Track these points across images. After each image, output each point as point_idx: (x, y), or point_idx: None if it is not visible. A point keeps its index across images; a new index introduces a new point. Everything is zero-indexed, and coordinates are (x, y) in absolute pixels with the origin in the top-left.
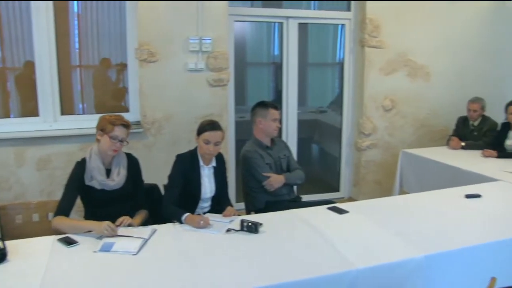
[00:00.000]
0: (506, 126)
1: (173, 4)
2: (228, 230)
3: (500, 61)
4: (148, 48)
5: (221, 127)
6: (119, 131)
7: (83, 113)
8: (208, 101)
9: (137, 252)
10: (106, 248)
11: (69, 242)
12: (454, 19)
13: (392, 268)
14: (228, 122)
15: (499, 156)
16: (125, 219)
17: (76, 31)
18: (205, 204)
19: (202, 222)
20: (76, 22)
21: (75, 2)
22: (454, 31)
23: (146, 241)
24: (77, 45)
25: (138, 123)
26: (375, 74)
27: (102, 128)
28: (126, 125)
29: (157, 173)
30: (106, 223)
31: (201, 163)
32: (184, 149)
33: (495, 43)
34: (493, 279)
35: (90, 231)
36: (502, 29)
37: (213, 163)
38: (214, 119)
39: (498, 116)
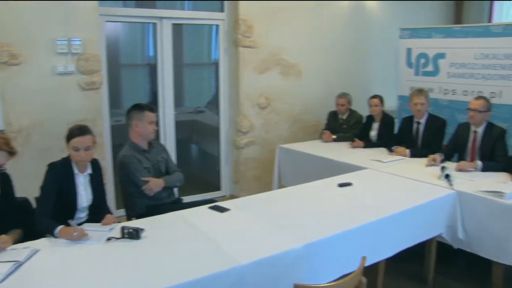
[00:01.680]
0: (370, 118)
1: (37, 4)
2: (109, 239)
3: (362, 58)
4: (9, 49)
5: (90, 131)
6: (1, 157)
7: None
8: (80, 105)
9: (3, 280)
10: None
11: None
12: (320, 19)
13: (275, 260)
14: (103, 127)
15: (365, 146)
16: (6, 241)
17: None
18: (82, 214)
19: (76, 234)
20: None
21: None
22: (322, 31)
23: (20, 264)
24: None
25: (1, 132)
26: (249, 73)
27: None
28: (12, 152)
29: (27, 185)
30: None
31: (76, 171)
32: (57, 157)
33: (357, 41)
34: (363, 258)
35: None
36: (362, 28)
37: (89, 170)
38: (87, 124)
39: (364, 109)
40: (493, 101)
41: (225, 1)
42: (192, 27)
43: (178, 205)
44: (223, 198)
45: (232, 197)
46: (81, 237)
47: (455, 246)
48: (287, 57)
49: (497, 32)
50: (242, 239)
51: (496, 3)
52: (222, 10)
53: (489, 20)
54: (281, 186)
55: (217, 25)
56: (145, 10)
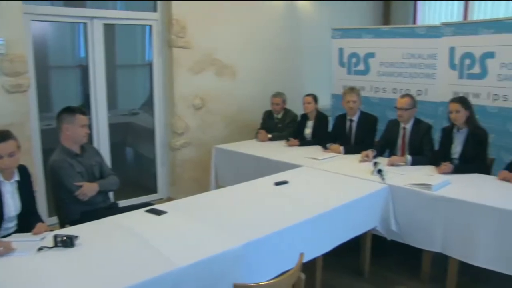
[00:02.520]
0: (304, 117)
1: None
2: (40, 249)
3: (296, 57)
4: None
5: (13, 136)
6: None
7: None
8: (6, 109)
9: None
10: None
11: None
12: (254, 19)
13: (213, 261)
14: (32, 131)
15: (300, 144)
16: None
17: None
18: (10, 224)
19: (1, 249)
20: None
21: None
22: (256, 31)
23: None
24: None
25: None
26: (184, 74)
27: None
28: None
29: None
30: None
31: (1, 178)
32: None
33: (291, 41)
34: (301, 255)
35: None
36: (295, 28)
37: (16, 177)
38: (14, 128)
39: (299, 108)
40: (420, 98)
41: (158, 1)
42: (124, 28)
43: (114, 210)
44: (160, 200)
45: (169, 199)
46: (8, 252)
47: (389, 238)
48: (221, 58)
49: (421, 34)
50: (180, 242)
51: (419, 3)
52: (155, 10)
53: (414, 20)
54: (218, 186)
55: (150, 26)
56: (74, 10)
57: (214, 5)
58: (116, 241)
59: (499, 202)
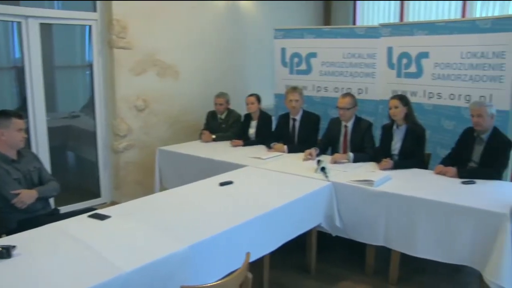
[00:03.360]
0: (248, 117)
1: None
2: None
3: (240, 57)
4: None
5: None
6: None
7: None
8: None
9: None
10: None
11: None
12: (196, 19)
13: (160, 264)
14: None
15: (245, 144)
16: None
17: None
18: None
19: None
20: None
21: None
22: (198, 31)
23: None
24: None
25: None
26: (125, 75)
27: None
28: None
29: None
30: None
31: None
32: None
33: (235, 41)
34: (247, 254)
35: None
36: (238, 28)
37: None
38: None
39: (242, 109)
40: (360, 97)
41: (98, 1)
42: (63, 27)
43: (55, 216)
44: (104, 205)
45: (113, 203)
46: None
47: (334, 234)
48: (163, 58)
49: (361, 34)
50: (125, 246)
51: (358, 4)
52: (94, 10)
53: (354, 20)
54: (162, 189)
55: (89, 26)
56: (6, 7)
57: (155, 5)
58: (58, 249)
59: (435, 195)
